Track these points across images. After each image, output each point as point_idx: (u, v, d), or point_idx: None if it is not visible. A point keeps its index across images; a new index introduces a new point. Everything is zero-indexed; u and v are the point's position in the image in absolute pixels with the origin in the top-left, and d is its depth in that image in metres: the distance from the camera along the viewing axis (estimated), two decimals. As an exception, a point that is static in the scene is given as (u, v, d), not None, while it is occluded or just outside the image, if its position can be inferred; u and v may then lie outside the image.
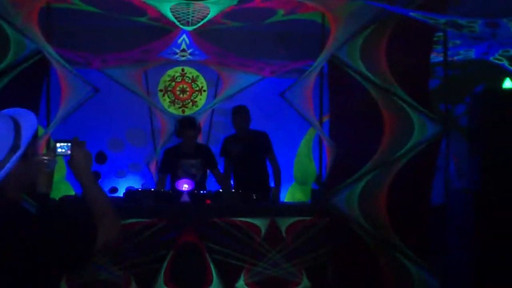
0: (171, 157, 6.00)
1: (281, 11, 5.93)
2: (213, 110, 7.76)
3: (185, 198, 5.16)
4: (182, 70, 7.92)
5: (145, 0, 5.29)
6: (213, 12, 5.51)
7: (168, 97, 7.91)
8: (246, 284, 5.04)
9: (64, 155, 2.19)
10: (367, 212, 5.19)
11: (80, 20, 6.46)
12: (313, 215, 5.18)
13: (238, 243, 5.02)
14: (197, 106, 7.91)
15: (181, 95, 7.92)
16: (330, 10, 5.46)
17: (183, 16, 5.61)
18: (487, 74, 7.36)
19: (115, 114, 7.57)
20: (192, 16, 5.62)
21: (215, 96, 7.84)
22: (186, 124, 5.93)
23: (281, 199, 6.60)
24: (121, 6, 5.61)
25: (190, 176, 5.63)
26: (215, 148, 6.46)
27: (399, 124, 5.24)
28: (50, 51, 5.00)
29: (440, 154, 5.35)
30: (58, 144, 2.19)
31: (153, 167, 7.42)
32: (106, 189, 6.80)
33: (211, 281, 4.99)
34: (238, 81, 7.36)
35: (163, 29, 6.34)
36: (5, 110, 2.05)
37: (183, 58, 7.18)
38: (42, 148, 4.99)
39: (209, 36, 6.46)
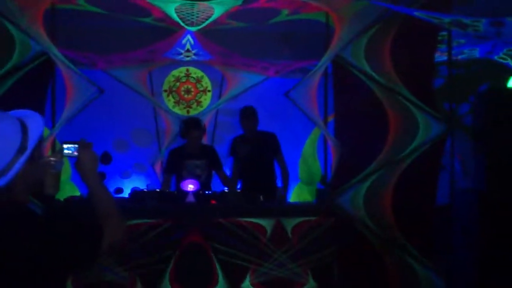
0: (176, 158, 6.00)
1: (286, 11, 5.93)
2: (217, 110, 7.76)
3: (190, 198, 5.17)
4: (187, 70, 7.92)
5: (149, 0, 5.30)
6: (217, 12, 5.52)
7: (173, 97, 7.91)
8: (252, 284, 5.03)
9: (70, 157, 2.18)
10: (372, 212, 5.18)
11: (84, 21, 6.47)
12: (319, 215, 5.17)
13: (244, 244, 5.01)
14: (201, 107, 7.92)
15: (185, 96, 7.93)
16: (334, 10, 5.45)
17: (188, 16, 5.62)
18: (492, 73, 7.34)
19: (120, 114, 7.57)
20: (197, 17, 5.63)
21: (219, 96, 7.85)
22: (191, 125, 5.94)
23: (287, 199, 6.59)
24: (126, 7, 5.62)
25: (195, 177, 5.61)
26: (220, 148, 6.45)
27: (404, 124, 5.22)
28: (55, 52, 5.01)
29: (445, 154, 5.34)
30: (65, 146, 2.18)
31: (158, 168, 7.43)
32: (112, 189, 6.80)
33: (217, 281, 4.98)
34: (243, 81, 7.36)
35: (167, 30, 6.34)
36: (12, 112, 2.06)
37: (188, 59, 7.19)
38: (47, 149, 4.99)
39: (214, 36, 6.47)
